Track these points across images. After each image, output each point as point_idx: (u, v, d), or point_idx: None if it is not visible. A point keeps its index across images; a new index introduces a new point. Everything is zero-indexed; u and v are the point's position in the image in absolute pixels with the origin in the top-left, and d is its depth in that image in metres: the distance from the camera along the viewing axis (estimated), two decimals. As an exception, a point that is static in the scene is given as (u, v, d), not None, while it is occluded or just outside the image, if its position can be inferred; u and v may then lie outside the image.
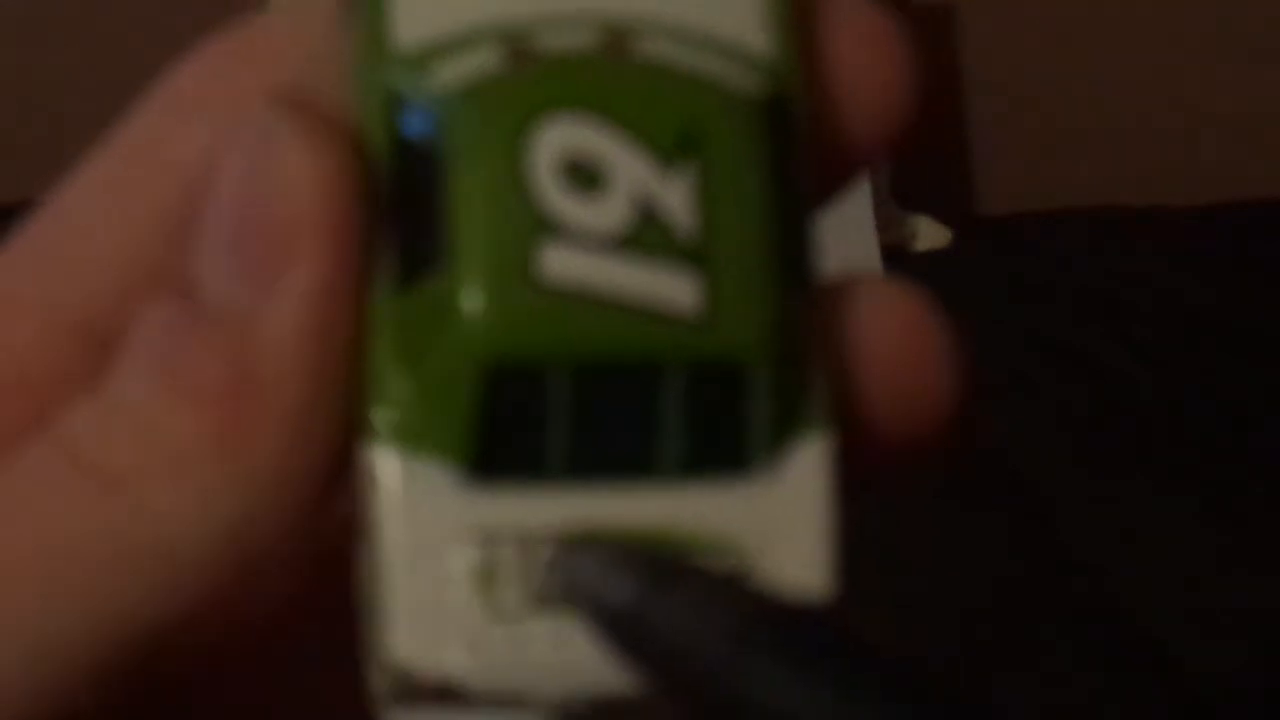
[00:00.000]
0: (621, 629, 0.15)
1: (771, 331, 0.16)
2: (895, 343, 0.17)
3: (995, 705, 0.14)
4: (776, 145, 0.16)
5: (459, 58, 0.16)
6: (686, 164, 0.16)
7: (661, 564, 0.16)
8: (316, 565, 0.16)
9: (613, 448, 0.16)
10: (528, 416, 0.16)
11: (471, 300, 0.15)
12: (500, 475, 0.15)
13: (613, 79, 0.16)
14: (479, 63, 0.16)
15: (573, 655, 0.16)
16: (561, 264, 0.15)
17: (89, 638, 0.15)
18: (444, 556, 0.15)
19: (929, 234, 1.45)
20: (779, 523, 0.16)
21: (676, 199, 0.16)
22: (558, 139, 0.16)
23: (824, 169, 0.17)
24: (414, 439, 0.15)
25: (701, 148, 0.16)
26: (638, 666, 0.15)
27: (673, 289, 0.15)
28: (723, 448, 0.16)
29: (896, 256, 1.38)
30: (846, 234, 1.35)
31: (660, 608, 0.15)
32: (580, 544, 0.16)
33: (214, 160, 0.15)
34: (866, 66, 0.17)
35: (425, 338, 0.15)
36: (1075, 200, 1.55)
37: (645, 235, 0.16)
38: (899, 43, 0.17)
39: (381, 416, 0.15)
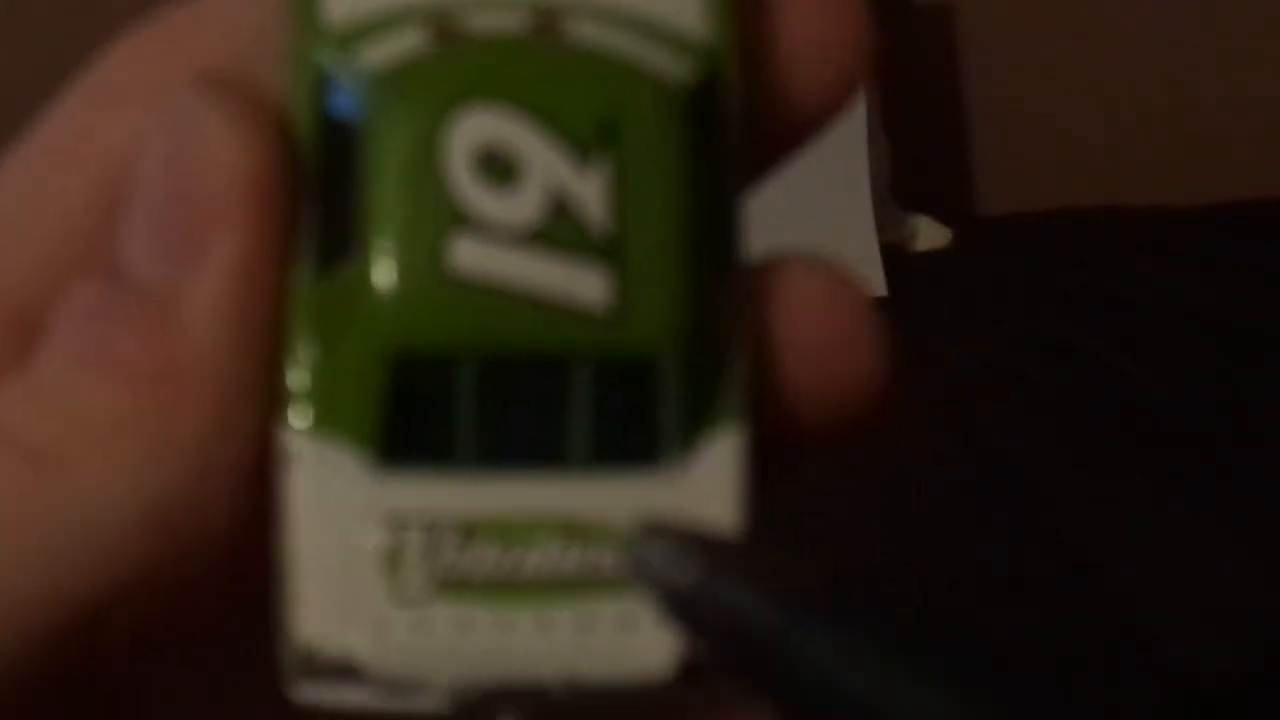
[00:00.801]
0: (689, 609, 0.16)
1: (681, 328, 0.16)
2: (815, 324, 0.17)
3: (1050, 686, 0.14)
4: (702, 131, 0.16)
5: (386, 38, 0.16)
6: (604, 156, 0.16)
7: (725, 548, 0.16)
8: (253, 539, 0.16)
9: (522, 438, 0.16)
10: (435, 405, 0.16)
11: (380, 291, 0.15)
12: (408, 462, 0.16)
13: (536, 67, 0.16)
14: (405, 44, 0.16)
15: (474, 641, 0.16)
16: (472, 257, 0.15)
17: (20, 612, 0.15)
18: (351, 538, 0.16)
19: (929, 234, 1.45)
20: (687, 516, 0.16)
21: (591, 193, 0.16)
22: (475, 130, 0.16)
23: (774, 138, 0.17)
24: (325, 423, 0.16)
25: (620, 140, 0.16)
26: (704, 643, 0.16)
27: (582, 284, 0.16)
28: (633, 440, 0.16)
29: (896, 256, 1.38)
30: (846, 234, 1.35)
31: (723, 586, 0.15)
32: (650, 530, 0.16)
33: (139, 141, 0.15)
34: (815, 32, 0.17)
35: (337, 324, 0.16)
36: (1075, 200, 1.55)
37: (558, 230, 0.16)
38: (847, 4, 0.17)
39: (295, 399, 0.16)
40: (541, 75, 0.16)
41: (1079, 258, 1.39)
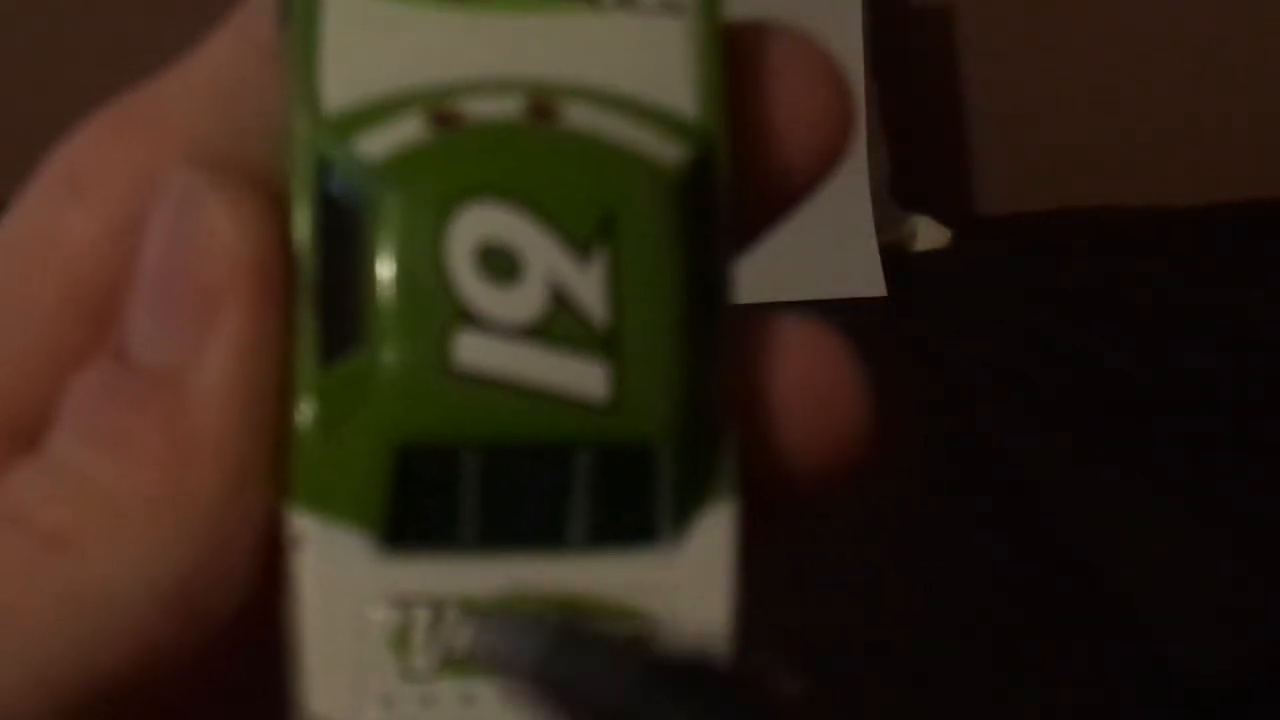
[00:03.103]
0: (534, 685, 0.16)
1: (677, 415, 0.17)
2: (800, 385, 0.17)
3: None
4: (696, 212, 0.17)
5: (384, 125, 0.16)
6: (602, 250, 0.16)
7: (566, 627, 0.16)
8: (264, 606, 0.16)
9: (523, 521, 0.16)
10: (440, 491, 0.16)
11: (386, 385, 0.16)
12: (413, 545, 0.16)
13: (535, 159, 0.16)
14: (403, 133, 0.16)
15: (479, 714, 0.16)
16: (475, 353, 0.16)
17: (40, 690, 0.15)
18: (360, 618, 0.16)
19: (929, 234, 1.45)
20: (683, 591, 0.17)
21: (590, 286, 0.16)
22: (475, 225, 0.16)
23: (764, 207, 0.18)
24: (332, 508, 0.16)
25: (618, 233, 0.16)
26: (555, 713, 0.16)
27: (582, 376, 0.16)
28: (630, 521, 0.17)
29: (896, 256, 1.38)
30: (846, 234, 1.35)
31: (566, 665, 0.16)
32: (492, 614, 0.16)
33: (140, 225, 0.16)
34: (805, 105, 0.17)
35: (343, 412, 0.16)
36: (1075, 200, 1.55)
37: (558, 325, 0.16)
38: (832, 72, 0.18)
39: (302, 482, 0.16)
40: (541, 169, 0.16)
41: (1079, 258, 1.39)
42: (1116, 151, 1.64)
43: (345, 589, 0.16)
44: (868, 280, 1.33)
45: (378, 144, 0.16)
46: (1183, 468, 1.00)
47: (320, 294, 0.16)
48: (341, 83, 0.16)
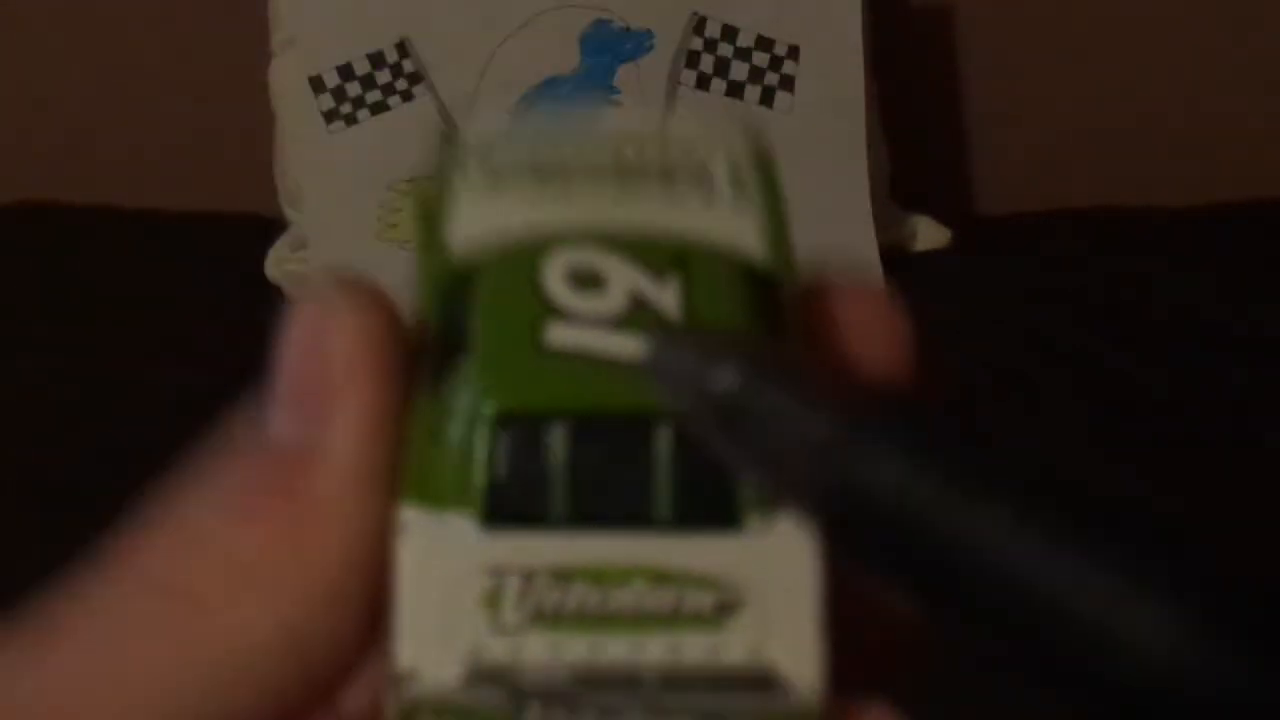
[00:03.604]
0: (725, 416, 0.16)
1: None
2: (861, 332, 0.19)
3: (1108, 499, 0.14)
4: (760, 294, 0.19)
5: (501, 268, 0.18)
6: (676, 276, 0.18)
7: (763, 353, 0.16)
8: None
9: (610, 500, 0.17)
10: (532, 468, 0.18)
11: (481, 364, 0.18)
12: (508, 525, 0.18)
13: (620, 220, 0.19)
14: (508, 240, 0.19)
15: (567, 660, 0.17)
16: (563, 337, 0.18)
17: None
18: (455, 586, 0.17)
19: (929, 234, 1.45)
20: (766, 577, 0.17)
21: (668, 296, 0.18)
22: (566, 259, 0.18)
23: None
24: (436, 498, 0.18)
25: (688, 267, 0.18)
26: (741, 454, 0.16)
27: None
28: (715, 503, 0.18)
29: (896, 256, 1.38)
30: (846, 234, 1.35)
31: (765, 393, 0.15)
32: (676, 335, 0.17)
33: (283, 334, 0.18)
34: (870, 347, 0.19)
35: (447, 412, 0.18)
36: (1075, 200, 1.55)
37: (639, 318, 0.18)
38: (899, 322, 0.21)
39: (410, 483, 0.18)
40: (626, 225, 0.19)
41: (1079, 258, 1.39)
42: (1116, 151, 1.64)
43: (442, 561, 0.17)
44: (867, 280, 1.33)
45: (490, 287, 0.18)
46: (1184, 467, 1.00)
47: (437, 349, 0.18)
48: (464, 235, 0.19)
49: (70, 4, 1.55)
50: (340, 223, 1.34)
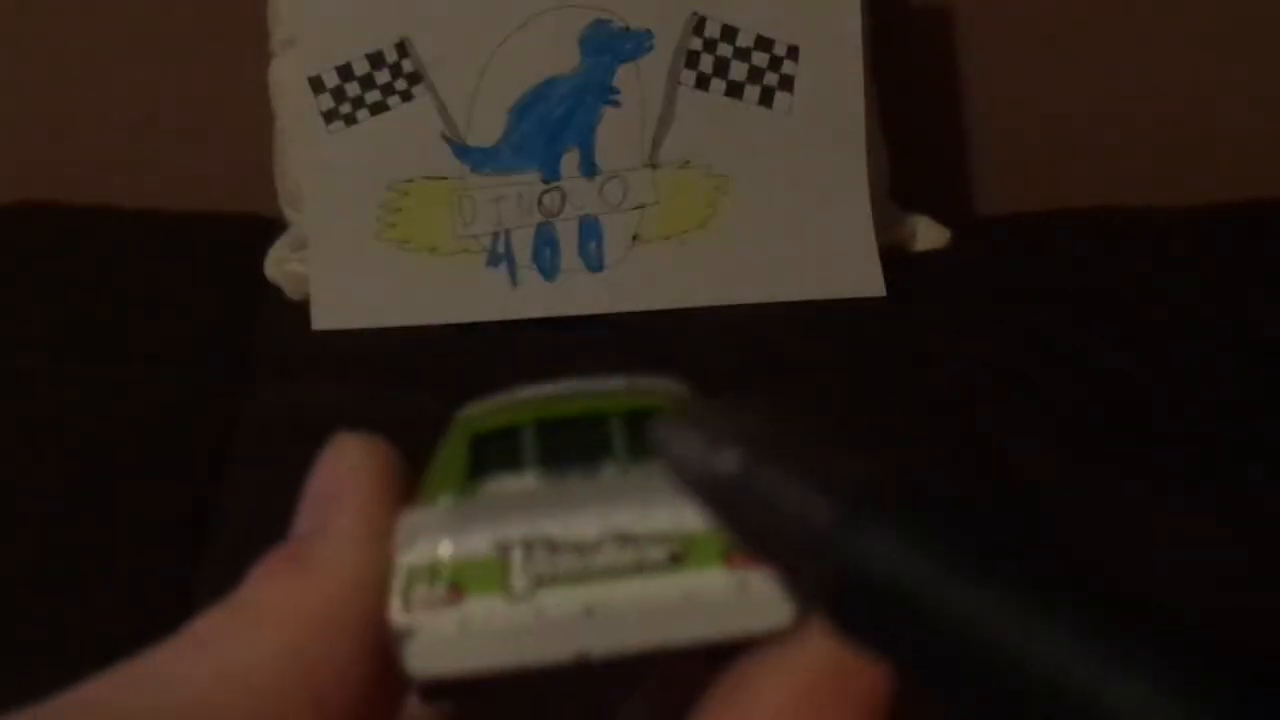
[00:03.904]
0: (728, 499, 0.16)
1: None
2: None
3: (1111, 584, 0.14)
4: None
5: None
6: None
7: (768, 435, 0.16)
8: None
9: (574, 452, 0.21)
10: (505, 449, 0.22)
11: (463, 416, 0.23)
12: (486, 484, 0.21)
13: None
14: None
15: (569, 604, 0.20)
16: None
17: None
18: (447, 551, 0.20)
19: (928, 234, 1.45)
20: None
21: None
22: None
23: None
24: (429, 495, 0.21)
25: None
26: (744, 536, 0.16)
27: (610, 383, 0.23)
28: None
29: (896, 257, 1.38)
30: (846, 234, 1.35)
31: (767, 477, 0.15)
32: (683, 419, 0.19)
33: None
34: None
35: (433, 473, 0.22)
36: (1075, 200, 1.55)
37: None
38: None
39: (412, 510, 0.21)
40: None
41: (1079, 258, 1.39)
42: (1116, 151, 1.64)
43: (426, 529, 0.20)
44: (868, 280, 1.33)
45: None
46: (1184, 468, 1.00)
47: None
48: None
49: (70, 4, 1.55)
50: (340, 223, 1.34)
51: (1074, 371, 1.17)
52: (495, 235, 1.34)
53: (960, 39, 1.64)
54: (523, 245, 1.33)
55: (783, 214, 1.36)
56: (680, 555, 0.19)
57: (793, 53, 1.37)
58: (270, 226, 1.41)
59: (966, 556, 0.14)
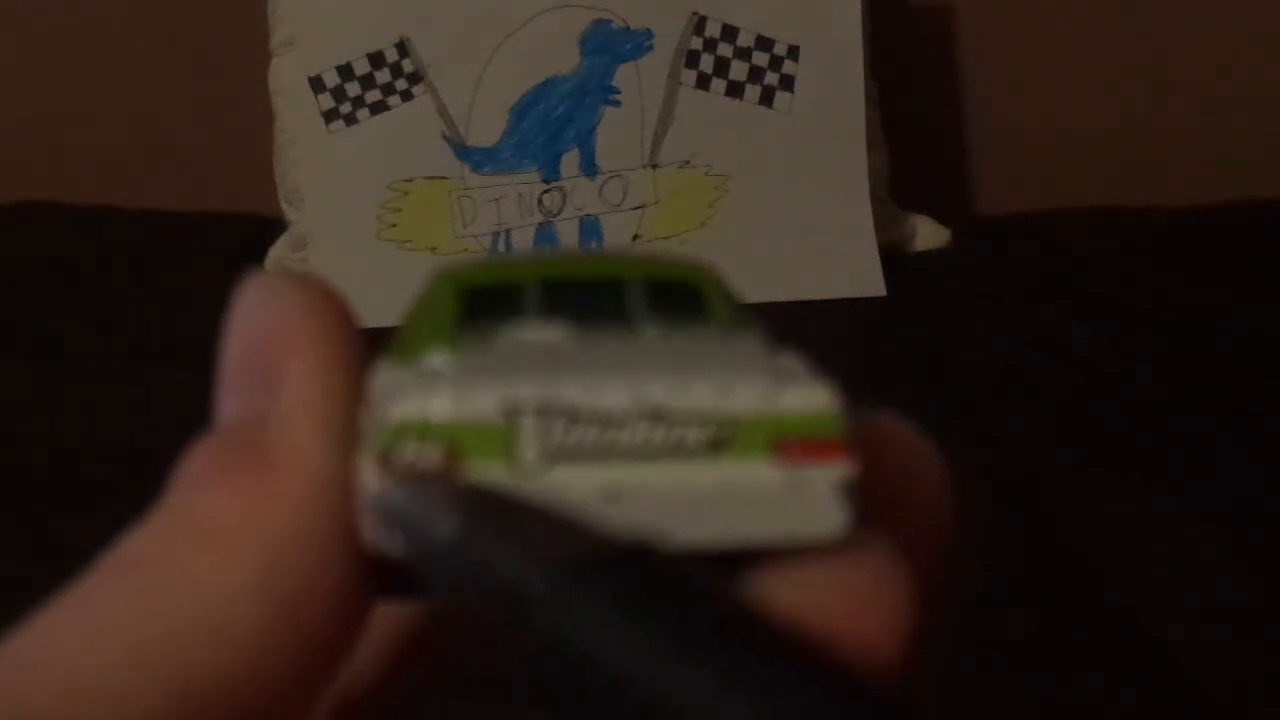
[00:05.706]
0: (444, 562, 0.16)
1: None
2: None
3: (806, 654, 0.14)
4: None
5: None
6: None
7: (490, 501, 0.16)
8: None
9: (586, 306, 0.19)
10: (507, 312, 0.19)
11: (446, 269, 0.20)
12: (494, 347, 0.18)
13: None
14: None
15: (586, 484, 0.17)
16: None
17: (167, 696, 0.16)
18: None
19: (928, 234, 1.45)
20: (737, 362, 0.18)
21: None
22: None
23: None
24: (408, 352, 0.18)
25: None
26: (461, 600, 0.16)
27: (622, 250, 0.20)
28: (684, 310, 0.19)
29: (896, 256, 1.38)
30: (846, 234, 1.36)
31: (484, 542, 0.15)
32: (407, 483, 0.17)
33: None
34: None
35: (407, 331, 0.19)
36: (1075, 200, 1.55)
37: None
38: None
39: (383, 362, 0.18)
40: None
41: (1078, 258, 1.39)
42: (1116, 151, 1.64)
43: (413, 384, 0.17)
44: (867, 280, 1.33)
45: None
46: (1183, 467, 1.00)
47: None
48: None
49: (70, 4, 1.55)
50: (340, 222, 1.34)
51: (1074, 371, 1.17)
52: (495, 235, 1.34)
53: (960, 39, 1.64)
54: (523, 245, 1.34)
55: (783, 214, 1.36)
56: (722, 441, 0.17)
57: (793, 52, 1.37)
58: (270, 226, 1.41)
59: (663, 633, 0.14)
